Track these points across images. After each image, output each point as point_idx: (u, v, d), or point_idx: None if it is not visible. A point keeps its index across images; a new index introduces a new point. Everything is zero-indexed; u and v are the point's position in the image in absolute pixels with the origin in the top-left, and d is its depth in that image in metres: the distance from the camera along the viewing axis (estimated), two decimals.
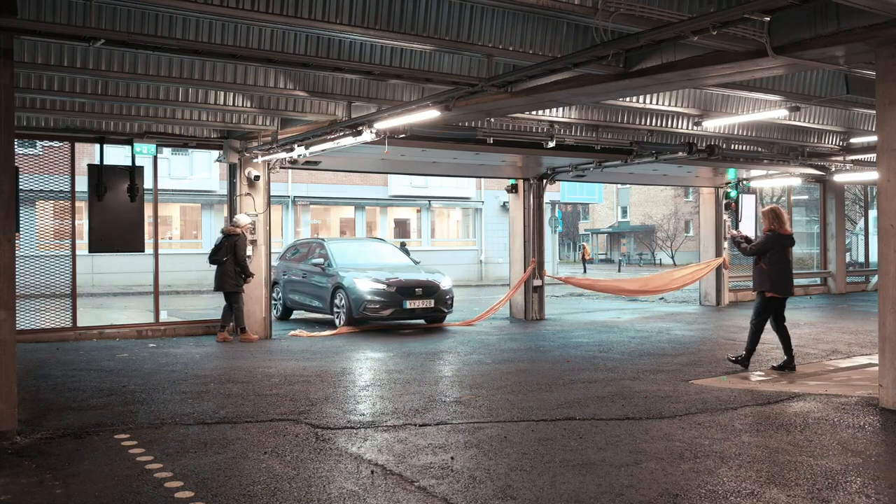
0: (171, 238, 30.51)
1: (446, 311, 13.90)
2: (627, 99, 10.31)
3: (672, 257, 48.84)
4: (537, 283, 15.82)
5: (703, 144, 13.55)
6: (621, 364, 9.68)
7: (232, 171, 12.92)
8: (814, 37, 6.12)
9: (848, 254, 45.66)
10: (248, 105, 10.36)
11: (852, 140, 15.17)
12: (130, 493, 4.79)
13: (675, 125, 12.54)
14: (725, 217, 18.22)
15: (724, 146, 14.32)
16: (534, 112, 10.99)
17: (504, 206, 31.58)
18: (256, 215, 12.66)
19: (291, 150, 11.46)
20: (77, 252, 12.15)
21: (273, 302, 14.89)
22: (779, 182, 19.50)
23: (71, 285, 11.92)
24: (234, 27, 7.23)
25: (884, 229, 6.91)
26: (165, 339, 12.09)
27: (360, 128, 9.78)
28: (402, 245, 31.61)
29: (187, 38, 7.13)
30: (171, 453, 5.67)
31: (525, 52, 7.38)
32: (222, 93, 10.02)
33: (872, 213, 25.88)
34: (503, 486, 4.90)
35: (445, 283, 13.84)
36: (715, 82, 8.33)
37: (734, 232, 9.57)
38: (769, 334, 12.68)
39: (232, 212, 12.93)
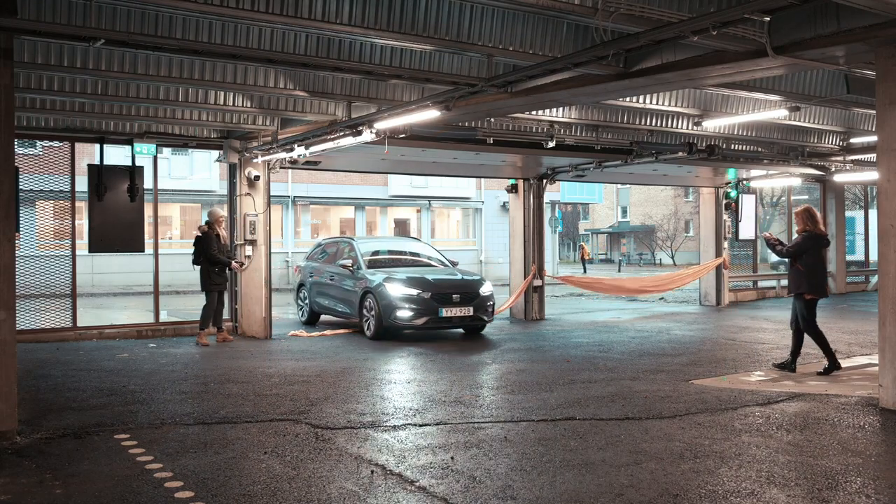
0: (171, 238, 30.51)
1: (486, 319, 12.54)
2: (627, 99, 10.31)
3: (672, 257, 48.85)
4: (537, 283, 15.82)
5: (703, 144, 13.55)
6: (621, 364, 9.68)
7: (232, 171, 12.93)
8: (814, 37, 6.12)
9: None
10: (248, 105, 10.36)
11: (852, 140, 15.17)
12: (130, 493, 4.79)
13: (675, 125, 12.54)
14: (725, 217, 18.23)
15: (724, 146, 14.32)
16: (534, 112, 10.99)
17: (504, 206, 31.57)
18: (256, 215, 12.67)
19: (291, 150, 11.46)
20: (77, 252, 12.15)
21: (299, 305, 14.75)
22: (779, 182, 19.50)
23: (71, 285, 11.92)
24: (234, 27, 7.23)
25: (884, 229, 6.92)
26: (165, 339, 12.09)
27: (360, 128, 9.78)
28: None
29: (187, 38, 7.13)
30: (171, 453, 5.67)
31: (525, 52, 7.38)
32: (222, 93, 10.02)
33: (856, 214, 25.90)
34: (503, 486, 4.90)
35: (485, 289, 12.54)
36: (715, 82, 8.33)
37: (767, 234, 9.37)
38: (769, 335, 12.69)
39: (232, 212, 12.93)
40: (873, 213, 23.28)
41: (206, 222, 11.89)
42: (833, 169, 17.14)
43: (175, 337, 12.36)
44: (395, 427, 6.46)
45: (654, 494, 4.73)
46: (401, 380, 8.66)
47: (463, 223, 36.40)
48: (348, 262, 13.12)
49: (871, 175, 17.04)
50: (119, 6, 6.68)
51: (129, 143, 11.88)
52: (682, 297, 20.25)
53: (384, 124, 9.57)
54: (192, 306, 18.84)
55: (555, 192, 34.93)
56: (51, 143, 12.70)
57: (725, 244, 18.44)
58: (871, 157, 15.73)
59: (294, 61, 7.74)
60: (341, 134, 10.21)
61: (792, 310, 9.03)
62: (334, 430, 6.35)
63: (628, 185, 49.10)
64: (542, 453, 5.66)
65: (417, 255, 14.35)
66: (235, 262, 11.98)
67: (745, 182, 17.90)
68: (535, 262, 15.93)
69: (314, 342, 11.97)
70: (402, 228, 35.68)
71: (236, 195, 12.74)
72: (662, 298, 20.03)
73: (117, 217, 11.82)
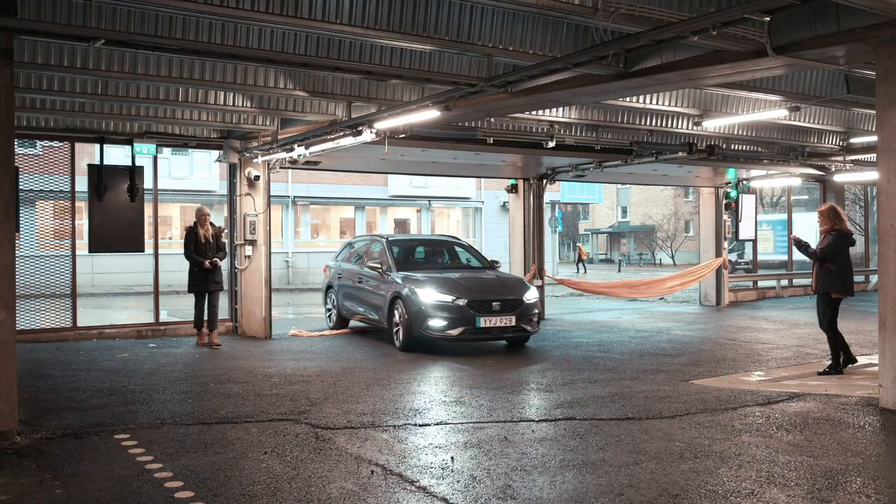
0: (171, 238, 30.50)
1: (530, 330, 10.92)
2: (627, 99, 10.31)
3: (672, 257, 48.85)
4: (537, 283, 15.82)
5: (703, 144, 13.55)
6: (621, 364, 9.68)
7: (232, 171, 12.92)
8: (814, 37, 6.12)
9: (735, 254, 45.59)
10: (248, 105, 10.35)
11: (852, 140, 15.17)
12: (130, 493, 4.79)
13: (675, 125, 12.54)
14: (725, 217, 18.23)
15: (724, 146, 14.32)
16: (534, 112, 10.99)
17: (504, 206, 31.57)
18: (256, 215, 12.66)
19: (291, 150, 11.46)
20: (77, 252, 12.15)
21: (327, 309, 13.78)
22: (779, 182, 19.51)
23: (71, 285, 11.92)
24: (234, 27, 7.23)
25: (884, 229, 6.92)
26: (165, 339, 12.08)
27: (360, 128, 9.78)
28: None
29: (187, 38, 7.13)
30: (171, 453, 5.67)
31: (525, 52, 7.38)
32: (222, 93, 10.02)
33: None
34: (503, 486, 4.91)
35: (530, 295, 11.00)
36: (715, 82, 8.33)
37: (796, 236, 9.12)
38: (769, 335, 12.69)
39: (232, 212, 12.93)
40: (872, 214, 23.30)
41: (195, 222, 11.52)
42: (833, 169, 17.14)
43: (175, 337, 12.36)
44: (395, 427, 6.46)
45: (654, 494, 4.73)
46: (401, 380, 8.65)
47: (463, 223, 36.40)
48: (378, 264, 11.85)
49: (871, 175, 17.04)
50: (119, 6, 6.68)
51: (129, 143, 11.88)
52: (682, 297, 20.26)
53: (384, 124, 9.57)
54: (192, 306, 18.83)
55: (555, 192, 34.94)
56: (51, 143, 12.70)
57: (725, 244, 18.44)
58: (871, 157, 15.73)
59: (294, 61, 7.74)
60: (341, 134, 10.21)
61: (818, 311, 8.92)
62: (334, 430, 6.35)
63: (628, 185, 49.10)
64: (542, 453, 5.66)
65: (455, 255, 12.99)
66: (208, 262, 11.19)
67: (745, 182, 17.90)
68: (535, 262, 15.93)
69: (314, 342, 11.97)
70: (402, 228, 35.68)
71: (236, 195, 12.74)
72: (662, 299, 20.03)
73: (117, 217, 11.81)
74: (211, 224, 11.48)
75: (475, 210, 35.40)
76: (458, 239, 14.04)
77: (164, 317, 13.51)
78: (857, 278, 22.79)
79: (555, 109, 11.27)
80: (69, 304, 11.94)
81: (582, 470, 5.24)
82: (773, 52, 6.17)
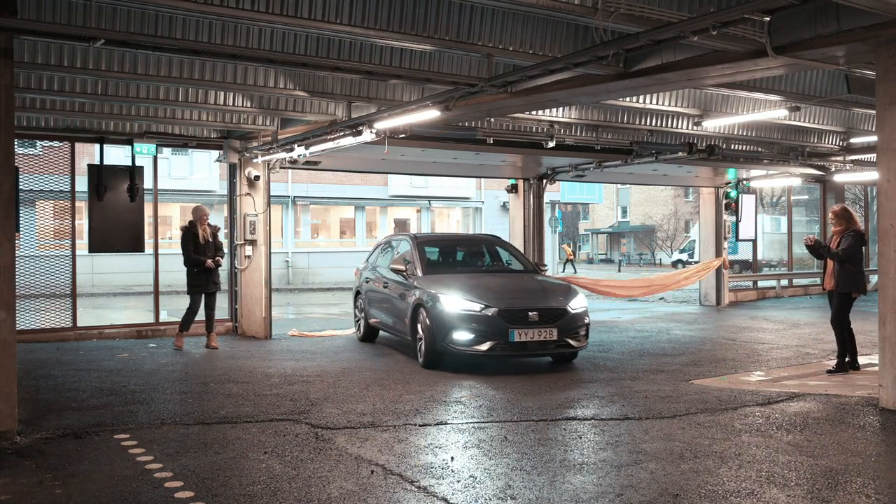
0: (171, 238, 30.50)
1: (576, 346, 9.24)
2: (627, 99, 10.30)
3: (672, 257, 48.84)
4: None
5: (703, 144, 13.55)
6: (621, 364, 9.68)
7: (232, 171, 12.92)
8: (814, 37, 6.12)
9: (685, 254, 45.26)
10: (248, 105, 10.35)
11: (852, 140, 15.17)
12: (130, 493, 4.79)
13: (675, 125, 12.54)
14: (725, 217, 18.23)
15: (724, 146, 14.32)
16: (534, 112, 10.99)
17: (504, 206, 31.57)
18: (256, 215, 12.66)
19: (291, 150, 11.46)
20: (77, 252, 12.14)
21: (356, 317, 12.32)
22: (779, 182, 19.51)
23: (71, 285, 11.92)
24: (234, 27, 7.23)
25: (884, 229, 6.92)
26: (165, 339, 12.07)
27: (360, 128, 9.78)
28: None
29: (187, 38, 7.13)
30: (171, 453, 5.67)
31: (525, 52, 7.38)
32: (222, 93, 10.01)
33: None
34: (503, 486, 4.91)
35: (576, 303, 9.34)
36: (715, 82, 8.33)
37: (815, 238, 8.93)
38: (769, 335, 12.69)
39: (232, 212, 12.93)
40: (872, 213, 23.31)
41: (190, 221, 11.15)
42: (833, 169, 17.15)
43: (175, 337, 12.34)
44: (394, 427, 6.46)
45: (654, 494, 4.73)
46: (401, 380, 8.63)
47: (463, 223, 36.41)
48: (401, 266, 10.35)
49: (871, 175, 17.04)
50: (119, 6, 6.68)
51: (129, 143, 11.88)
52: (682, 297, 20.26)
53: (384, 124, 9.57)
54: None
55: (555, 192, 34.94)
56: (51, 143, 12.70)
57: (725, 244, 18.44)
58: (871, 157, 15.72)
59: (294, 61, 7.74)
60: (341, 134, 10.21)
61: (836, 309, 8.91)
62: (334, 430, 6.35)
63: (628, 185, 49.10)
64: (542, 453, 5.66)
65: (494, 257, 11.41)
66: (211, 260, 10.88)
67: (745, 182, 17.90)
68: (536, 262, 15.92)
69: (314, 342, 11.96)
70: (402, 228, 35.68)
71: (236, 195, 12.74)
72: (662, 298, 20.02)
73: (117, 217, 11.81)
74: (208, 224, 11.20)
75: (475, 210, 35.41)
76: (498, 238, 12.38)
77: (164, 317, 13.51)
78: None
79: (555, 109, 11.26)
80: (69, 304, 11.94)
81: (582, 470, 5.24)
82: (773, 52, 6.17)
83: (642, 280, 18.85)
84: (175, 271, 11.73)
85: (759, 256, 23.68)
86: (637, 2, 6.20)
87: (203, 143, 12.84)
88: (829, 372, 8.79)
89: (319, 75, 9.08)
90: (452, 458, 5.51)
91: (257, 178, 12.60)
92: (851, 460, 5.43)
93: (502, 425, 6.52)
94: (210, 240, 11.08)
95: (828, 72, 9.78)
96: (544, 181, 16.36)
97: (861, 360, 9.11)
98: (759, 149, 15.25)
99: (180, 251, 11.12)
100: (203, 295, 11.09)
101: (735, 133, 13.71)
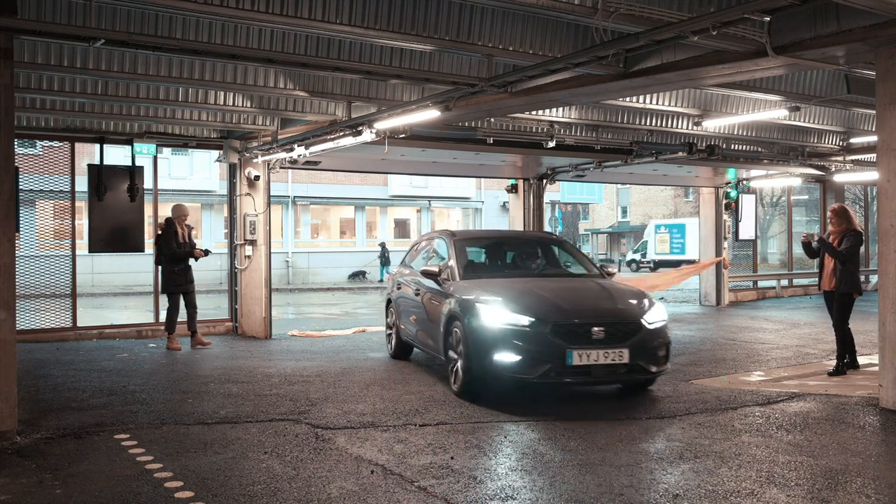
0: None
1: (654, 371, 7.32)
2: (627, 99, 10.31)
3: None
4: None
5: (703, 144, 13.56)
6: None
7: (232, 171, 12.93)
8: (814, 37, 6.12)
9: (638, 255, 45.42)
10: (248, 105, 10.36)
11: (852, 140, 15.18)
12: (130, 493, 4.79)
13: (675, 125, 12.55)
14: (725, 217, 18.24)
15: (724, 146, 14.33)
16: (534, 112, 10.99)
17: (504, 206, 31.59)
18: (256, 215, 12.66)
19: (291, 150, 11.46)
20: (77, 252, 12.15)
21: (388, 328, 10.47)
22: (779, 182, 19.51)
23: (71, 285, 11.92)
24: (234, 27, 7.24)
25: (884, 229, 6.92)
26: (165, 339, 12.07)
27: (360, 128, 9.78)
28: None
29: (187, 38, 7.14)
30: (171, 453, 5.67)
31: (525, 52, 7.38)
32: (222, 93, 10.02)
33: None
34: (503, 486, 4.91)
35: (653, 315, 7.42)
36: (715, 82, 8.33)
37: (820, 236, 8.83)
38: (769, 335, 12.69)
39: (232, 212, 12.93)
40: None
41: (167, 219, 11.10)
42: (833, 169, 17.16)
43: (167, 341, 12.33)
44: (394, 427, 6.46)
45: (655, 494, 4.73)
46: (401, 380, 8.63)
47: (463, 223, 36.41)
48: (434, 269, 8.62)
49: (871, 175, 17.04)
50: (119, 6, 6.68)
51: (129, 143, 11.88)
52: (682, 297, 20.26)
53: (384, 124, 9.57)
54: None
55: (555, 192, 34.97)
56: (51, 143, 12.69)
57: (725, 244, 18.45)
58: (871, 157, 15.73)
59: (294, 61, 7.74)
60: (341, 134, 10.22)
61: (837, 310, 8.87)
62: (334, 430, 6.35)
63: (628, 185, 49.11)
64: (542, 453, 5.66)
65: (550, 259, 9.41)
66: (198, 249, 11.05)
67: (745, 182, 17.91)
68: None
69: (314, 342, 11.97)
70: (402, 228, 35.68)
71: (236, 195, 12.74)
72: (662, 298, 20.02)
73: (117, 217, 11.81)
74: (185, 224, 11.25)
75: (475, 210, 35.42)
76: (553, 235, 10.41)
77: (163, 317, 13.51)
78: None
79: (555, 109, 11.27)
80: (69, 304, 11.94)
81: (582, 470, 5.23)
82: (773, 52, 6.18)
83: (641, 280, 18.86)
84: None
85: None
86: (637, 2, 6.21)
87: (203, 143, 12.84)
88: (829, 374, 8.77)
89: (319, 75, 9.08)
90: (452, 458, 5.51)
91: (257, 178, 12.61)
92: (851, 460, 5.43)
93: (502, 425, 6.51)
94: (187, 238, 11.16)
95: (828, 72, 9.78)
96: (544, 181, 16.37)
97: (861, 360, 9.11)
98: (759, 149, 15.26)
99: (154, 251, 11.17)
100: (181, 295, 11.09)
101: (735, 133, 13.72)
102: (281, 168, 13.06)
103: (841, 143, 15.43)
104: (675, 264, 24.60)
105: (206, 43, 7.23)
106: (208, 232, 29.81)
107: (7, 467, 5.38)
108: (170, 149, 21.68)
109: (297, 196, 31.49)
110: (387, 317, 10.59)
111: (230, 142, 12.58)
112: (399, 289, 10.04)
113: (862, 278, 9.88)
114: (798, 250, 21.73)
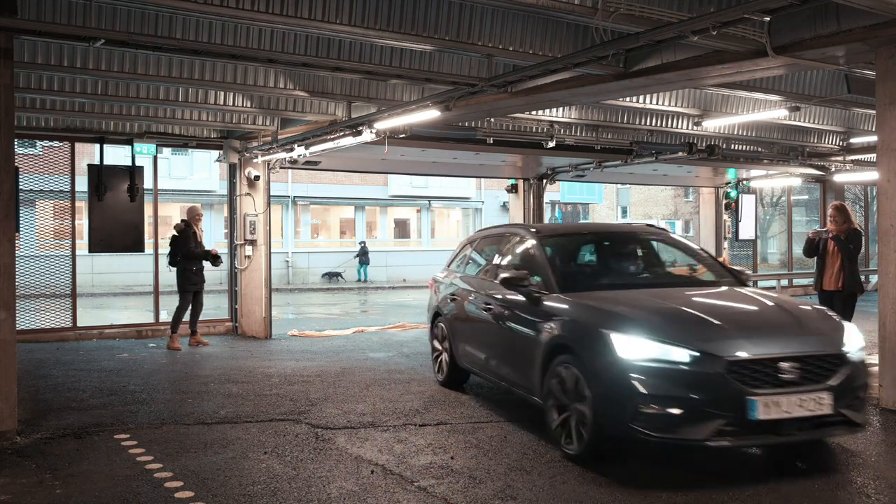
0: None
1: (858, 422, 5.20)
2: (627, 99, 10.31)
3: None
4: None
5: (703, 144, 13.56)
6: None
7: (232, 171, 12.93)
8: (814, 37, 6.12)
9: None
10: (248, 105, 10.36)
11: (852, 140, 15.18)
12: (130, 493, 4.79)
13: (675, 125, 12.55)
14: (725, 217, 18.24)
15: (724, 146, 14.33)
16: (534, 112, 10.99)
17: (504, 206, 31.58)
18: (256, 215, 12.66)
19: (291, 150, 11.46)
20: (77, 252, 12.15)
21: (434, 351, 8.45)
22: (779, 182, 19.51)
23: (71, 285, 11.92)
24: (234, 27, 7.24)
25: (884, 229, 6.92)
26: (165, 339, 12.06)
27: (360, 128, 9.78)
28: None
29: (187, 38, 7.13)
30: (171, 453, 5.67)
31: (525, 52, 7.38)
32: (222, 93, 10.02)
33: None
34: (503, 486, 4.90)
35: (853, 341, 5.35)
36: (715, 82, 8.33)
37: (835, 234, 8.62)
38: None
39: (232, 212, 12.94)
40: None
41: (183, 220, 11.39)
42: (833, 169, 17.16)
43: (169, 339, 12.34)
44: (394, 427, 6.46)
45: (654, 494, 4.72)
46: (401, 380, 8.62)
47: (463, 223, 36.41)
48: (520, 276, 6.47)
49: (871, 175, 17.04)
50: (119, 6, 6.68)
51: (129, 143, 11.88)
52: None
53: (384, 124, 9.57)
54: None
55: (555, 192, 34.97)
56: (51, 143, 12.69)
57: (725, 244, 18.45)
58: (871, 157, 15.73)
59: (294, 61, 7.74)
60: (341, 134, 10.22)
61: (844, 310, 8.83)
62: (334, 430, 6.35)
63: (628, 185, 49.09)
64: (541, 453, 5.66)
65: (660, 259, 7.52)
66: (214, 251, 11.23)
67: (745, 182, 17.91)
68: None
69: (314, 342, 11.96)
70: (402, 228, 35.67)
71: (236, 195, 12.75)
72: None
73: (117, 217, 11.81)
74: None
75: (475, 210, 35.42)
76: (663, 230, 8.21)
77: (164, 317, 13.50)
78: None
79: (555, 109, 11.27)
80: (69, 304, 11.94)
81: (582, 469, 5.23)
82: (773, 52, 6.17)
83: None
84: (174, 271, 11.69)
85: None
86: (637, 2, 6.21)
87: (203, 143, 12.84)
88: None
89: (319, 75, 9.08)
90: (452, 458, 5.51)
91: (257, 178, 12.61)
92: (851, 460, 5.43)
93: (502, 425, 6.51)
94: (200, 240, 11.42)
95: (828, 72, 9.78)
96: (544, 181, 16.37)
97: None
98: (759, 149, 15.26)
99: (169, 251, 11.20)
100: (193, 294, 11.23)
101: (735, 133, 13.72)
102: (281, 168, 13.06)
103: (841, 143, 15.43)
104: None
105: (206, 43, 7.22)
106: (208, 232, 29.79)
107: (7, 467, 5.38)
108: (170, 149, 21.68)
109: (297, 196, 31.48)
110: (432, 335, 8.52)
111: (230, 142, 12.58)
112: (453, 300, 8.01)
113: (862, 278, 9.87)
114: (798, 250, 21.76)
